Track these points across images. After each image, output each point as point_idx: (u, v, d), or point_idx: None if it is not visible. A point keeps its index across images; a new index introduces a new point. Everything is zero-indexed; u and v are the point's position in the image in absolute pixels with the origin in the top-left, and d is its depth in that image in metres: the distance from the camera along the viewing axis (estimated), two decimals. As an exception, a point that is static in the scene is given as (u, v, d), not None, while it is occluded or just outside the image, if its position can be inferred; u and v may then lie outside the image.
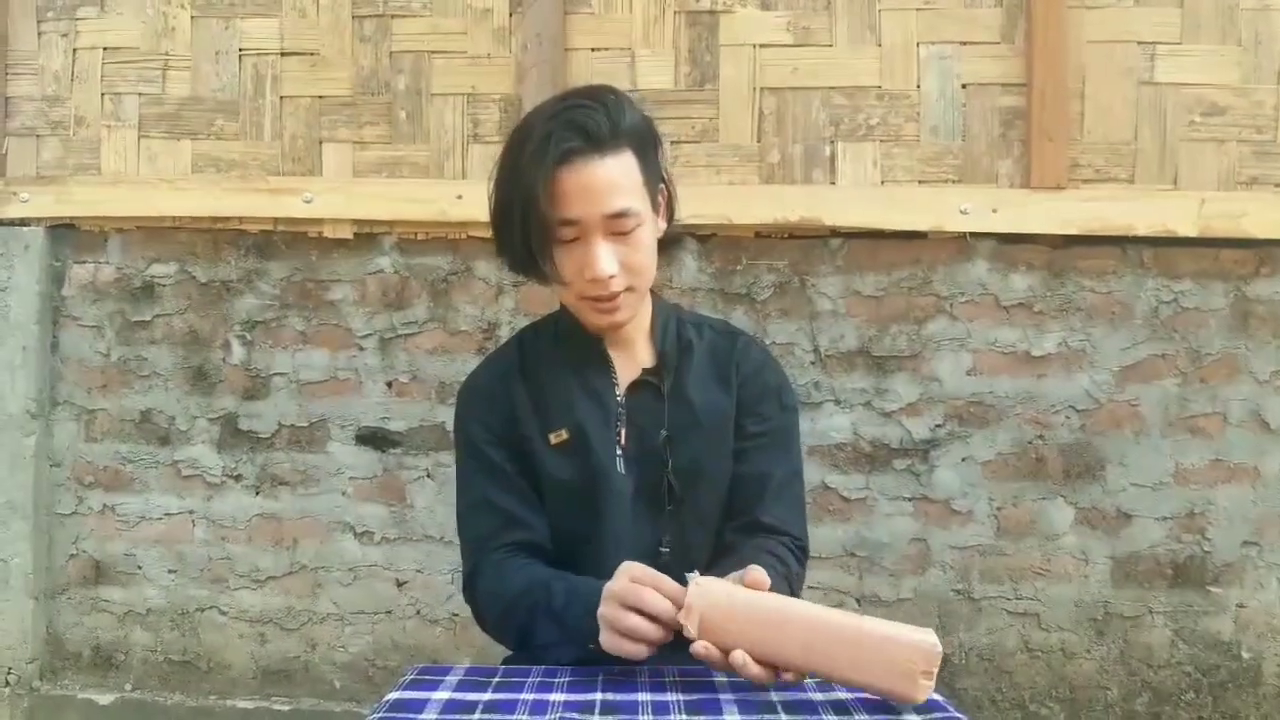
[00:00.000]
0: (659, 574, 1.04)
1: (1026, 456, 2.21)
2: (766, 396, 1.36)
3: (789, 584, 1.24)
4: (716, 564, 1.23)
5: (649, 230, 1.23)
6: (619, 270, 1.20)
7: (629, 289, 1.23)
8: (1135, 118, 2.19)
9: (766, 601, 1.00)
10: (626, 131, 1.20)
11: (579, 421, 1.29)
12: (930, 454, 2.22)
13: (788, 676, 1.00)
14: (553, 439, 1.30)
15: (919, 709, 0.98)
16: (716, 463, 1.32)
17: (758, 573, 1.02)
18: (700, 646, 0.98)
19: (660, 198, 1.28)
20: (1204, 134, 2.18)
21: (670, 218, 1.32)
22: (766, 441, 1.34)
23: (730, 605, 0.99)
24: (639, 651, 1.02)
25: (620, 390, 1.32)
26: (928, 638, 0.96)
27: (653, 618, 1.01)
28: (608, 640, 1.04)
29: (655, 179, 1.25)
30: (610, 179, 1.17)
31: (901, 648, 0.96)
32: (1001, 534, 2.21)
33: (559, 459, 1.29)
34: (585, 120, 1.16)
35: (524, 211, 1.16)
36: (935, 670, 0.94)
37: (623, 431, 1.30)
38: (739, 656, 0.97)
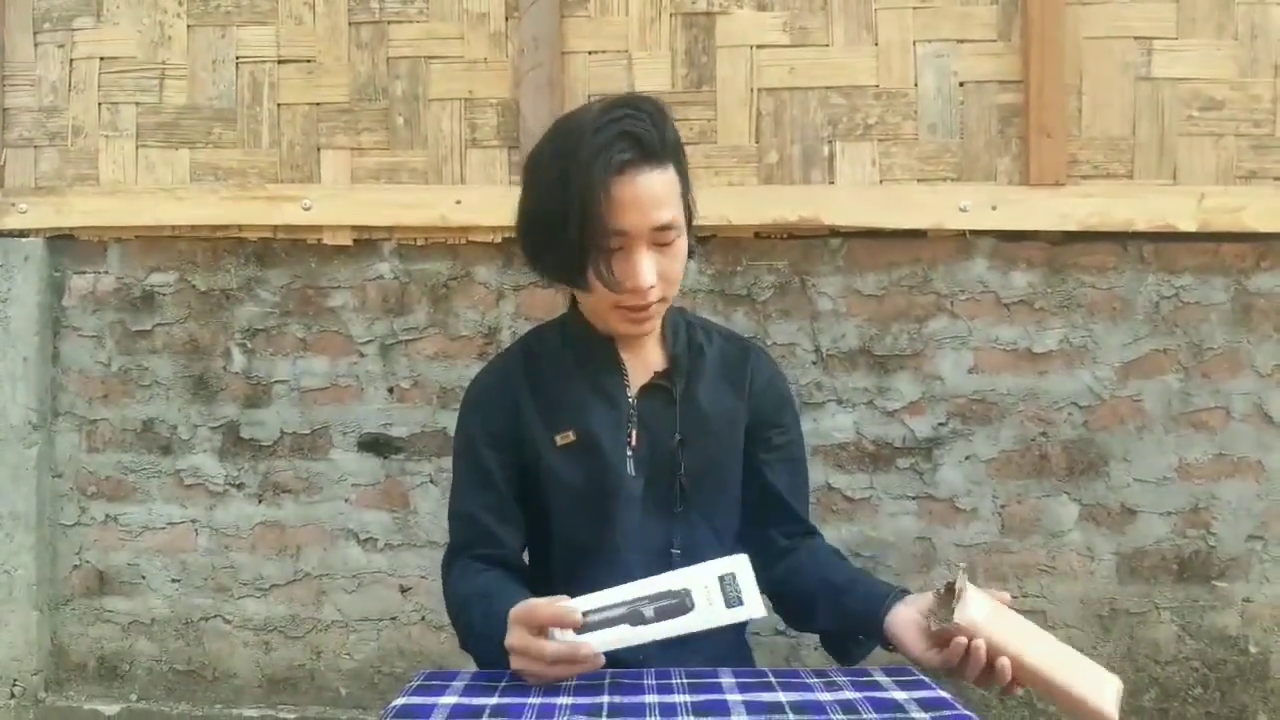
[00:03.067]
0: (560, 615, 1.04)
1: (1030, 454, 2.21)
2: (784, 407, 1.42)
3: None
4: (799, 567, 1.34)
5: (684, 241, 1.25)
6: (657, 281, 1.21)
7: (661, 299, 1.24)
8: (1133, 113, 2.19)
9: (1012, 611, 1.14)
10: (669, 143, 1.21)
11: (589, 423, 1.30)
12: (933, 453, 2.22)
13: (1014, 690, 1.11)
14: (559, 440, 1.31)
15: (927, 706, 0.98)
16: (726, 466, 1.35)
17: (1003, 595, 1.15)
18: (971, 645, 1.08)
19: (690, 208, 1.29)
20: (1202, 128, 2.18)
21: (690, 228, 1.32)
22: (792, 453, 1.41)
23: (995, 610, 1.12)
24: (561, 676, 1.06)
25: (632, 393, 1.32)
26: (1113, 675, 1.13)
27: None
28: (530, 679, 1.07)
29: (687, 190, 1.27)
30: (659, 191, 1.18)
31: (1099, 669, 1.14)
32: (1006, 532, 2.21)
33: (566, 460, 1.31)
34: (639, 131, 1.16)
35: (581, 220, 1.15)
36: (1119, 701, 1.11)
37: (634, 434, 1.31)
38: (1004, 663, 1.08)
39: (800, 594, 1.32)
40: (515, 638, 1.06)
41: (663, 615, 1.02)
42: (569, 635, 1.03)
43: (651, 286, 1.20)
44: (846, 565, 1.36)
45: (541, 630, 1.05)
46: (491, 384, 1.39)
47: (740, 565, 1.01)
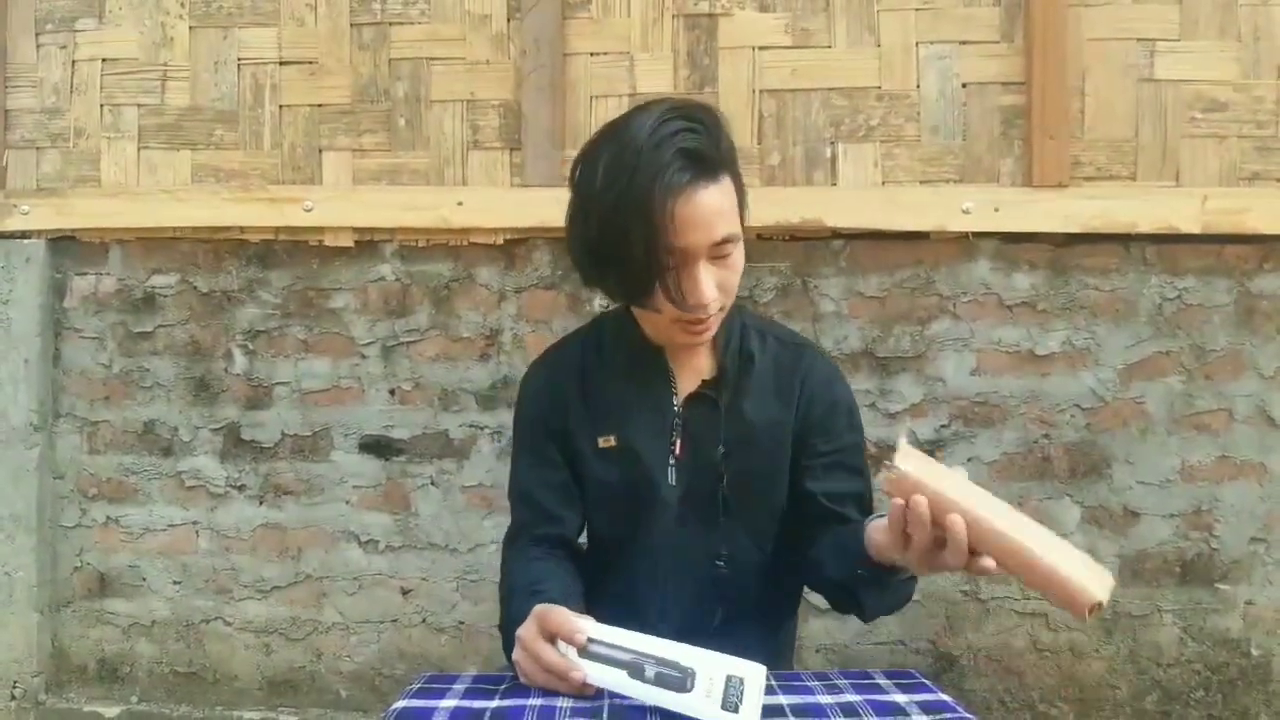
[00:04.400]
0: (565, 628, 1.04)
1: (1032, 456, 2.21)
2: (834, 414, 1.35)
3: None
4: (821, 565, 1.27)
5: (742, 250, 1.22)
6: (718, 294, 1.19)
7: (720, 309, 1.23)
8: (1136, 115, 2.19)
9: (973, 486, 1.02)
10: (724, 153, 1.18)
11: (631, 429, 1.30)
12: (936, 455, 2.21)
13: (988, 563, 1.00)
14: (601, 442, 1.31)
15: (927, 709, 0.97)
16: (769, 479, 1.32)
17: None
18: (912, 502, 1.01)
19: (745, 213, 1.27)
20: (1205, 130, 2.18)
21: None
22: (843, 460, 1.34)
23: (942, 471, 1.03)
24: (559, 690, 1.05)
25: (679, 401, 1.31)
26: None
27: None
28: (521, 676, 1.08)
29: (743, 196, 1.24)
30: (718, 207, 1.16)
31: (1087, 557, 0.96)
32: (1008, 534, 2.20)
33: (605, 463, 1.31)
34: (697, 146, 1.14)
35: (646, 241, 1.12)
36: (1109, 590, 0.94)
37: (678, 442, 1.30)
38: (955, 519, 0.99)
39: (818, 553, 1.28)
40: (525, 630, 1.08)
41: (660, 682, 1.01)
42: (571, 653, 1.03)
43: (713, 300, 1.19)
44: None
45: (551, 636, 1.05)
46: (547, 375, 1.39)
47: (754, 675, 1.00)
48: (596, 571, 1.34)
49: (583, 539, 1.40)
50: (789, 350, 1.37)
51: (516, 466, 1.40)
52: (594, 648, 1.03)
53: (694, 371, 1.33)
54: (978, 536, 0.97)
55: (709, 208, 1.15)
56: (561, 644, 1.04)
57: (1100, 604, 0.92)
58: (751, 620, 1.33)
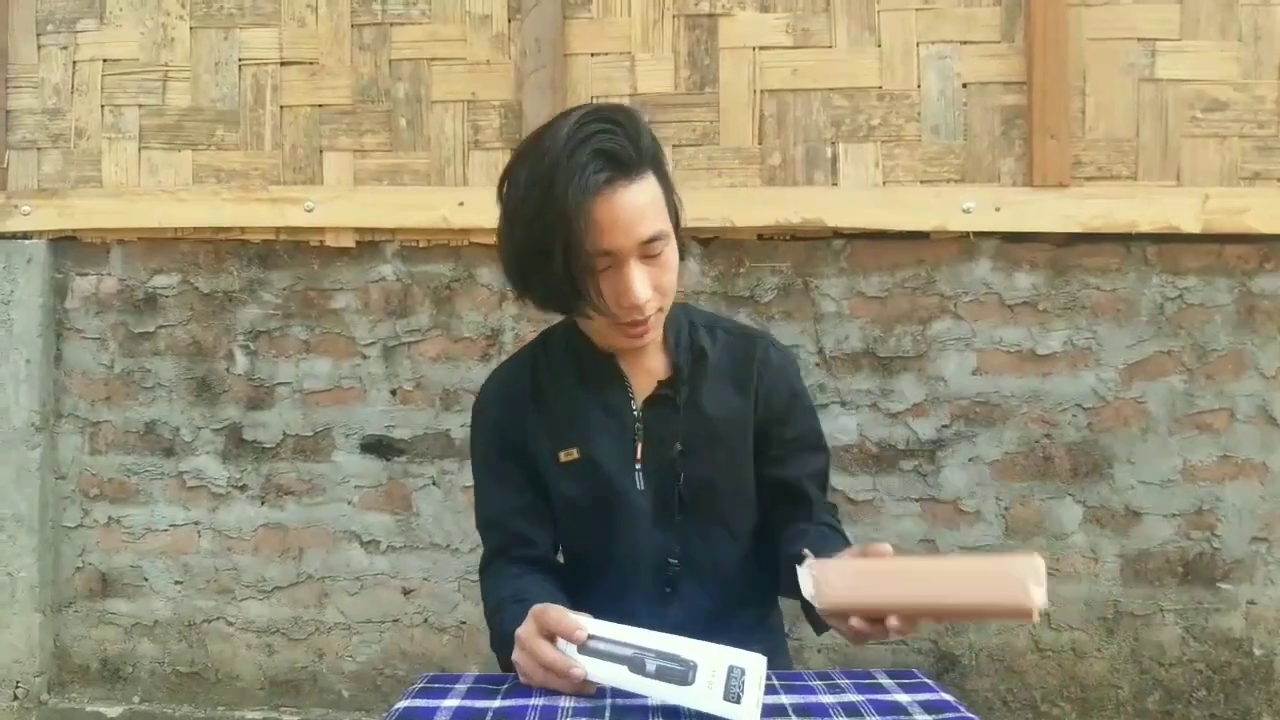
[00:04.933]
0: (564, 625, 1.04)
1: (1034, 456, 2.21)
2: (793, 401, 1.36)
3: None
4: (788, 549, 1.26)
5: (673, 248, 1.21)
6: (652, 293, 1.18)
7: (658, 309, 1.21)
8: (1137, 114, 2.19)
9: (881, 561, 1.04)
10: (645, 152, 1.16)
11: (592, 440, 1.29)
12: (937, 454, 2.22)
13: (893, 623, 1.00)
14: (563, 457, 1.29)
15: (929, 708, 0.97)
16: (732, 472, 1.32)
17: (881, 546, 1.05)
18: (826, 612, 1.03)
19: (676, 212, 1.26)
20: (1205, 130, 2.18)
21: (677, 228, 1.29)
22: (804, 442, 1.36)
23: (845, 567, 1.04)
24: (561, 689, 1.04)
25: (637, 405, 1.30)
26: (1029, 555, 0.97)
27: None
28: (521, 678, 1.07)
29: (671, 194, 1.23)
30: (640, 205, 1.14)
31: (1007, 563, 0.97)
32: (1010, 534, 2.21)
33: (569, 477, 1.29)
34: (612, 146, 1.12)
35: (565, 248, 1.10)
36: (1043, 581, 0.95)
37: (640, 446, 1.29)
38: (893, 623, 0.99)
39: (774, 564, 1.29)
40: (524, 630, 1.07)
41: (661, 676, 1.00)
42: (571, 650, 1.03)
43: (647, 301, 1.17)
44: (816, 533, 1.28)
45: (550, 635, 1.05)
46: (499, 394, 1.38)
47: (756, 666, 1.00)
48: (577, 587, 1.31)
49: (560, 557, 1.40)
50: (740, 340, 1.37)
51: (480, 494, 1.37)
52: (594, 644, 1.03)
53: (648, 373, 1.32)
54: (910, 618, 1.00)
55: (631, 207, 1.13)
56: (561, 642, 1.04)
57: (1037, 606, 0.94)
58: (738, 614, 1.33)
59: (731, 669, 0.99)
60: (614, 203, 1.12)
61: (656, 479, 1.29)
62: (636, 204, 1.13)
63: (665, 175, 1.21)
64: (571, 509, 1.30)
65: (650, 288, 1.17)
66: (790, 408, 1.36)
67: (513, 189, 1.17)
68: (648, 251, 1.16)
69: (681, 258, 1.27)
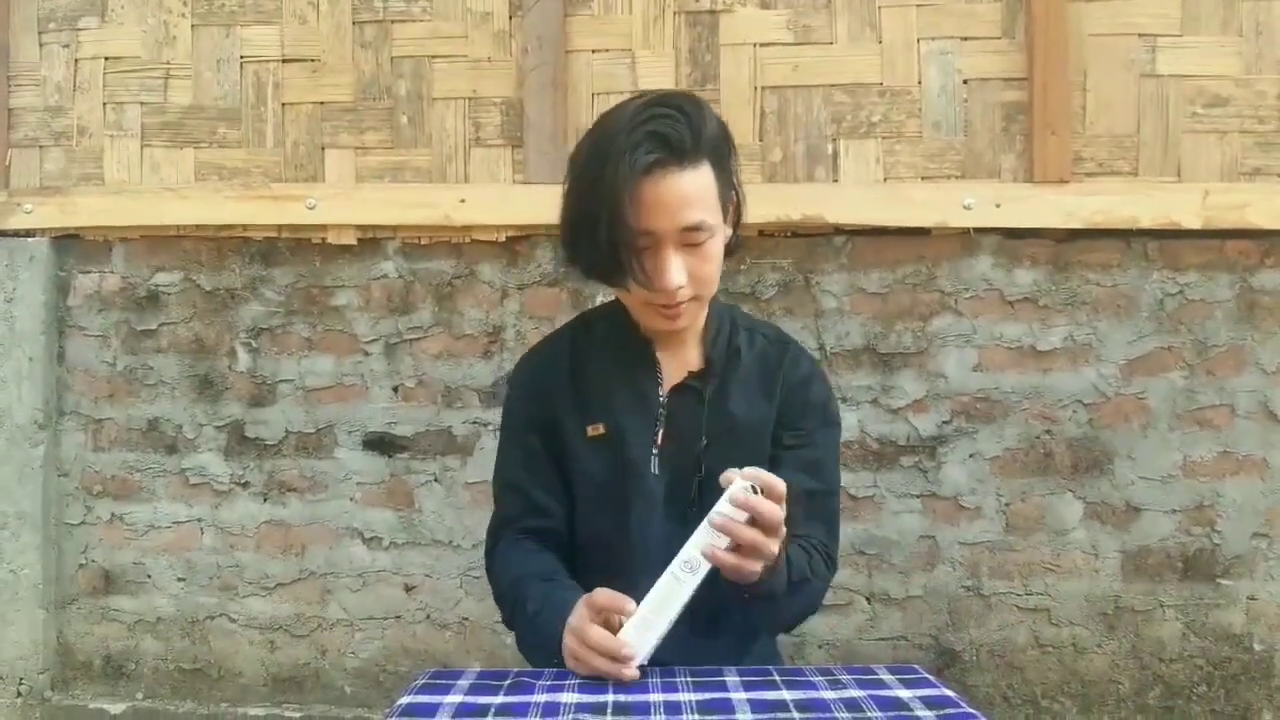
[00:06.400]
0: (616, 600, 1.08)
1: (1034, 452, 2.21)
2: (810, 411, 1.37)
3: (809, 565, 1.26)
4: None
5: (719, 241, 1.24)
6: (687, 281, 1.20)
7: (694, 298, 1.24)
8: (1137, 110, 2.19)
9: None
10: (706, 142, 1.19)
11: (618, 418, 1.32)
12: (938, 451, 2.22)
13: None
14: (590, 431, 1.32)
15: (931, 704, 0.98)
16: None
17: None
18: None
19: (731, 205, 1.28)
20: (1206, 125, 2.18)
21: (737, 224, 1.32)
22: (803, 455, 1.35)
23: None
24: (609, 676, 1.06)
25: (664, 391, 1.33)
26: None
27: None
28: (571, 665, 1.10)
29: (728, 188, 1.25)
30: (688, 192, 1.17)
31: None
32: (1010, 530, 2.21)
33: (593, 453, 1.32)
34: (669, 131, 1.16)
35: (610, 222, 1.15)
36: None
37: (660, 432, 1.32)
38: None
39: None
40: (575, 617, 1.11)
41: (688, 568, 1.07)
42: (622, 630, 1.06)
43: (679, 287, 1.20)
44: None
45: (600, 615, 1.08)
46: (535, 368, 1.41)
47: (737, 474, 1.07)
48: (583, 572, 1.32)
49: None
50: (775, 346, 1.39)
51: (504, 458, 1.41)
52: (642, 614, 1.07)
53: (680, 363, 1.34)
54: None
55: (676, 192, 1.16)
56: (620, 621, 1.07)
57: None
58: (738, 616, 1.32)
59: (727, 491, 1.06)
60: (660, 185, 1.16)
61: (671, 467, 1.31)
62: (682, 190, 1.17)
63: (726, 169, 1.24)
64: (591, 485, 1.33)
65: (685, 274, 1.20)
66: (802, 418, 1.36)
67: (575, 160, 1.23)
68: (688, 239, 1.19)
69: (729, 254, 1.29)
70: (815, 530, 1.32)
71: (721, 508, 1.05)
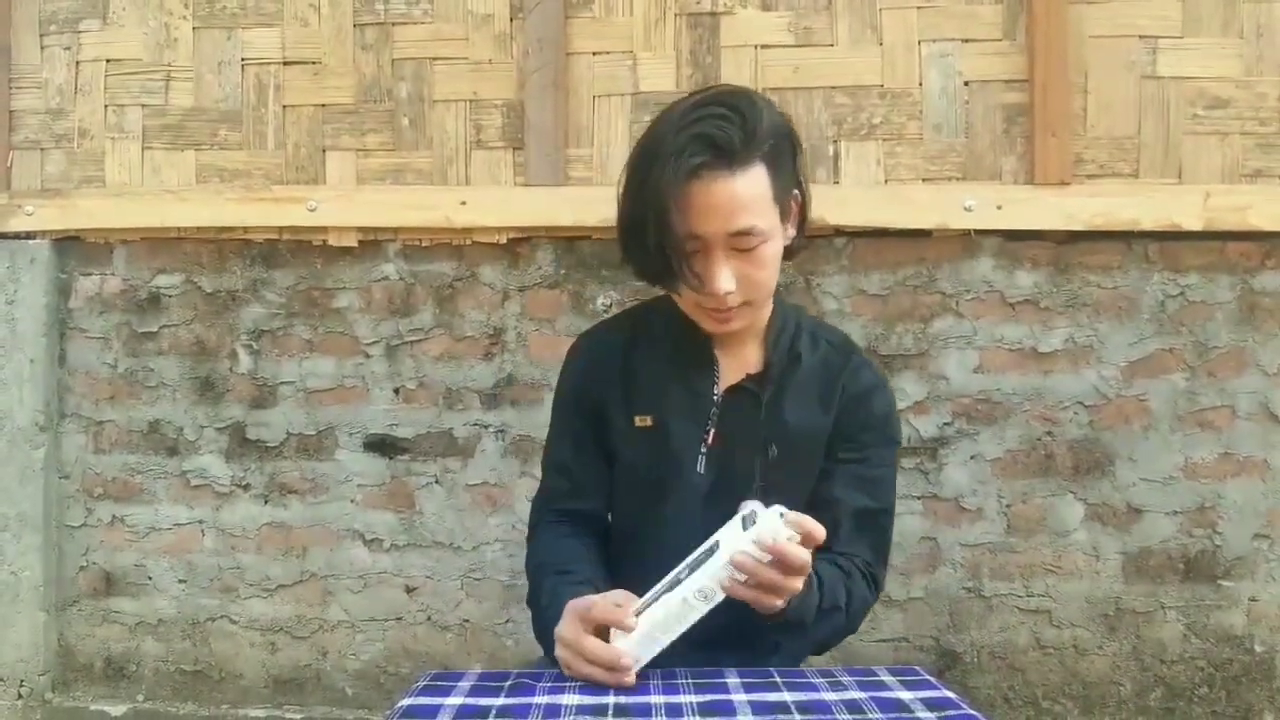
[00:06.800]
0: (614, 615, 1.06)
1: (1035, 453, 2.21)
2: (870, 426, 1.33)
3: (845, 589, 1.23)
4: None
5: (774, 245, 1.21)
6: (737, 286, 1.18)
7: (746, 303, 1.22)
8: (1138, 112, 2.19)
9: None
10: (760, 143, 1.16)
11: (668, 412, 1.30)
12: (939, 452, 2.22)
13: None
14: (638, 421, 1.31)
15: (932, 705, 0.97)
16: (801, 483, 1.31)
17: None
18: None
19: (793, 205, 1.26)
20: (1207, 127, 2.18)
21: (802, 224, 1.29)
22: (860, 471, 1.32)
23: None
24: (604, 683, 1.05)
25: (719, 391, 1.31)
26: None
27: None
28: (565, 671, 1.10)
29: (787, 190, 1.22)
30: (737, 196, 1.14)
31: None
32: (1012, 531, 2.21)
33: (638, 443, 1.31)
34: (716, 133, 1.13)
35: (656, 224, 1.14)
36: None
37: (711, 432, 1.30)
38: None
39: None
40: (566, 628, 1.10)
41: (695, 568, 1.04)
42: (620, 638, 1.05)
43: (728, 293, 1.17)
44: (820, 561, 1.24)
45: (595, 627, 1.06)
46: (591, 351, 1.40)
47: (760, 507, 1.04)
48: (618, 561, 1.33)
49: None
50: (838, 353, 1.36)
51: (554, 438, 1.41)
52: (640, 611, 1.05)
53: (739, 364, 1.32)
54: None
55: (724, 196, 1.14)
56: (614, 632, 1.06)
57: None
58: (770, 630, 1.30)
59: (745, 518, 1.03)
60: (708, 189, 1.14)
61: (718, 467, 1.29)
62: (731, 194, 1.14)
63: (782, 170, 1.20)
64: (633, 476, 1.32)
65: (734, 280, 1.18)
66: (863, 429, 1.33)
67: (630, 160, 1.21)
68: (739, 244, 1.17)
69: (790, 255, 1.28)
70: (861, 549, 1.29)
71: (745, 545, 1.02)
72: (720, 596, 1.03)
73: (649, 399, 1.31)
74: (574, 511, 1.36)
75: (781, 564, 1.02)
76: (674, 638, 1.05)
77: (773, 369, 1.31)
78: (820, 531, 1.05)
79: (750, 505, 1.06)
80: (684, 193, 1.13)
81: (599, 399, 1.34)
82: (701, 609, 1.04)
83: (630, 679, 1.04)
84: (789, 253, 1.27)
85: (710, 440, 1.30)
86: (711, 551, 1.04)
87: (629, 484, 1.33)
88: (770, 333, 1.33)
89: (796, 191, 1.25)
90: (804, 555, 1.03)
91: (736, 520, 1.05)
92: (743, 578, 1.02)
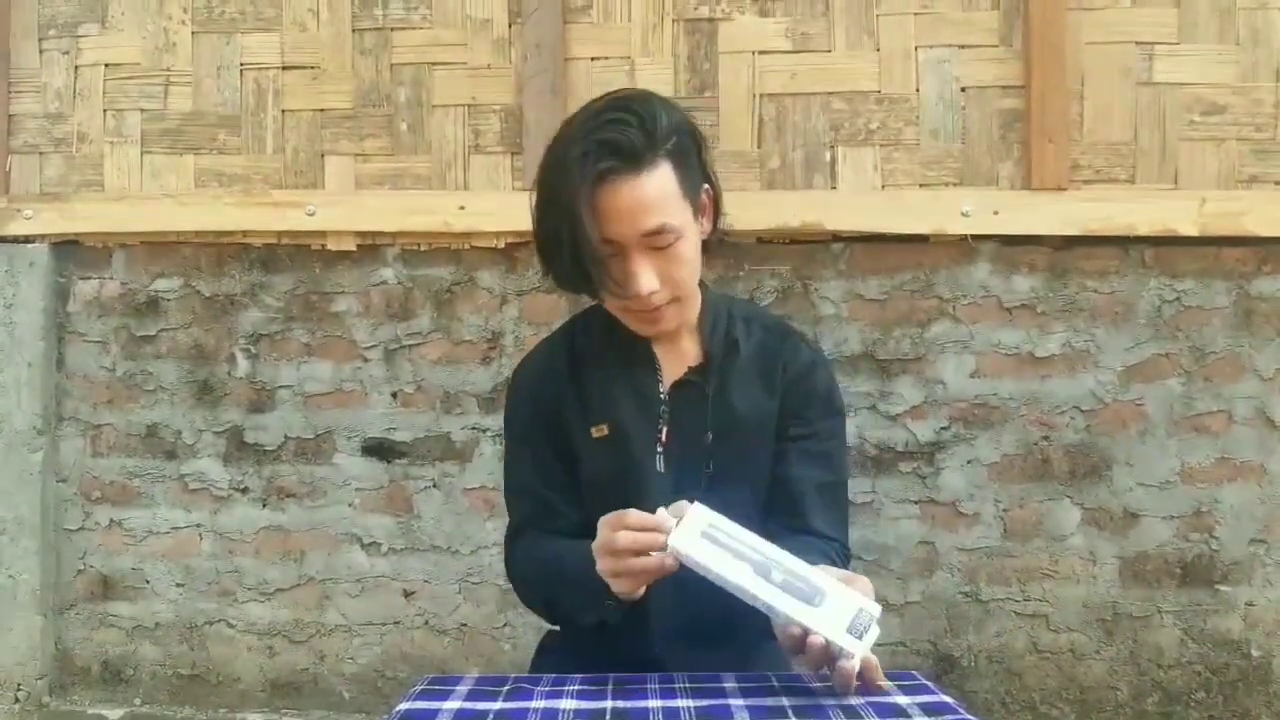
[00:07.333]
0: (634, 516, 1.07)
1: (1032, 458, 2.21)
2: (813, 400, 1.35)
3: None
4: None
5: (689, 240, 1.21)
6: (659, 285, 1.19)
7: (673, 300, 1.23)
8: (1134, 118, 2.20)
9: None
10: (663, 142, 1.17)
11: (620, 417, 1.30)
12: (936, 457, 2.22)
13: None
14: (594, 432, 1.31)
15: (930, 711, 0.98)
16: (754, 466, 1.32)
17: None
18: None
19: (705, 199, 1.27)
20: (1203, 133, 2.18)
21: (716, 219, 1.30)
22: (810, 447, 1.33)
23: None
24: (647, 570, 1.05)
25: (664, 388, 1.32)
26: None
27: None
28: (615, 583, 1.09)
29: (696, 185, 1.23)
30: (645, 197, 1.15)
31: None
32: (1008, 536, 2.21)
33: (599, 453, 1.31)
34: (618, 136, 1.14)
35: (570, 234, 1.14)
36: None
37: (664, 430, 1.31)
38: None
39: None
40: (601, 534, 1.10)
41: (788, 590, 1.00)
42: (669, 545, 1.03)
43: (652, 293, 1.18)
44: (799, 544, 1.24)
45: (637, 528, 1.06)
46: (536, 371, 1.40)
47: (877, 615, 1.01)
48: None
49: None
50: (773, 335, 1.37)
51: (513, 463, 1.40)
52: (713, 532, 1.03)
53: (679, 358, 1.33)
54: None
55: (633, 198, 1.15)
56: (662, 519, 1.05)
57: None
58: (749, 618, 1.32)
59: (860, 610, 1.00)
60: (616, 193, 1.14)
61: (678, 464, 1.30)
62: (638, 195, 1.15)
63: (689, 166, 1.21)
64: (597, 485, 1.32)
65: (656, 279, 1.18)
66: (807, 404, 1.34)
67: (538, 175, 1.22)
68: (654, 243, 1.17)
69: (709, 249, 1.28)
70: (828, 526, 1.31)
71: (856, 651, 0.98)
72: (773, 613, 1.01)
73: (601, 407, 1.32)
74: (550, 532, 1.33)
75: (845, 674, 1.00)
76: (712, 574, 1.02)
77: (713, 359, 1.32)
78: (882, 684, 1.05)
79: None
80: (592, 199, 1.13)
81: (555, 417, 1.34)
82: (748, 596, 1.01)
83: (672, 561, 1.03)
84: (706, 247, 1.29)
85: (665, 438, 1.30)
86: (811, 589, 1.00)
87: (595, 493, 1.32)
88: (704, 324, 1.34)
89: (707, 185, 1.27)
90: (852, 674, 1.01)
91: (839, 585, 1.02)
92: (819, 640, 0.99)
